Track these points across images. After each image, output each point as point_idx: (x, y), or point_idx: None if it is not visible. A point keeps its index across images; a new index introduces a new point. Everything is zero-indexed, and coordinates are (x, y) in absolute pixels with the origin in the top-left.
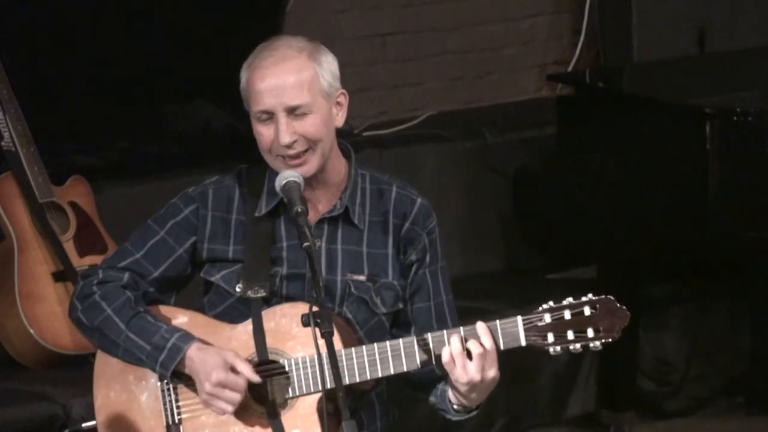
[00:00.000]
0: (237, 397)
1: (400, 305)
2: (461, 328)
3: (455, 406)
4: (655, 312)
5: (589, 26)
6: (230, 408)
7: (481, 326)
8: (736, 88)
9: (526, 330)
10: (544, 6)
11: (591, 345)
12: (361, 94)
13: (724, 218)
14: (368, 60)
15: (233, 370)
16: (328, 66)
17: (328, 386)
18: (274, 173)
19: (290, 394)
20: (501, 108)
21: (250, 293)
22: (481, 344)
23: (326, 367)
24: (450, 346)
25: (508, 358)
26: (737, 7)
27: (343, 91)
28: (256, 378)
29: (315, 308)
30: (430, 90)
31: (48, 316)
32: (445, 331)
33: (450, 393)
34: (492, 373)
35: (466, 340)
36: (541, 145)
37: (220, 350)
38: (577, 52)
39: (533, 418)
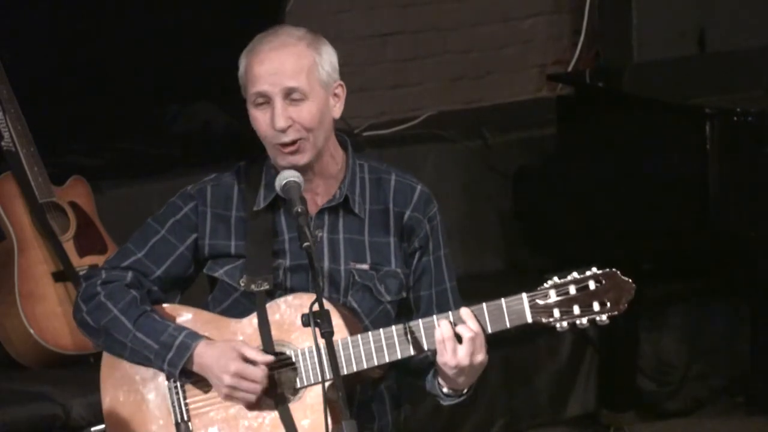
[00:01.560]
0: (257, 387)
1: (404, 294)
2: (450, 312)
3: (445, 390)
4: (655, 312)
5: (589, 26)
6: (253, 398)
7: (465, 311)
8: (736, 88)
9: (531, 307)
10: (544, 6)
11: (597, 319)
12: (361, 94)
13: (724, 218)
14: (368, 60)
15: (244, 359)
16: (328, 57)
17: (330, 376)
18: (271, 168)
19: (298, 385)
20: (501, 108)
21: (253, 287)
22: (470, 329)
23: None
24: (440, 330)
25: (508, 357)
26: (737, 7)
27: (341, 82)
28: (268, 358)
29: (315, 308)
30: (430, 90)
31: (48, 316)
32: (434, 317)
33: (439, 378)
34: (480, 357)
35: (455, 325)
36: (541, 145)
37: (227, 342)
38: (577, 52)
39: (533, 418)
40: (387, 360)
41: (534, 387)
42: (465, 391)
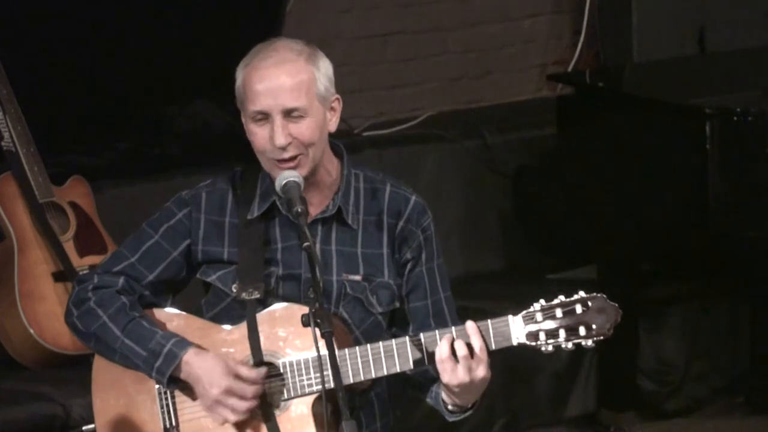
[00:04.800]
0: (244, 405)
1: (397, 304)
2: (453, 328)
3: (450, 407)
4: (655, 312)
5: (589, 26)
6: (233, 417)
7: (471, 326)
8: (736, 88)
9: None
10: (544, 6)
11: (583, 343)
12: (361, 94)
13: (724, 218)
14: (368, 60)
15: (237, 376)
16: (325, 70)
17: (327, 386)
18: (267, 176)
19: (285, 396)
20: (501, 108)
21: (244, 295)
22: (469, 345)
23: (325, 367)
24: (439, 349)
25: (507, 357)
26: (737, 7)
27: (338, 96)
28: (261, 374)
29: (314, 308)
30: (430, 90)
31: (48, 316)
32: (437, 331)
33: (443, 394)
34: (481, 372)
35: (455, 341)
36: (541, 145)
37: (218, 356)
38: (577, 52)
39: (533, 418)
40: (385, 373)
41: (534, 387)
42: (470, 406)
